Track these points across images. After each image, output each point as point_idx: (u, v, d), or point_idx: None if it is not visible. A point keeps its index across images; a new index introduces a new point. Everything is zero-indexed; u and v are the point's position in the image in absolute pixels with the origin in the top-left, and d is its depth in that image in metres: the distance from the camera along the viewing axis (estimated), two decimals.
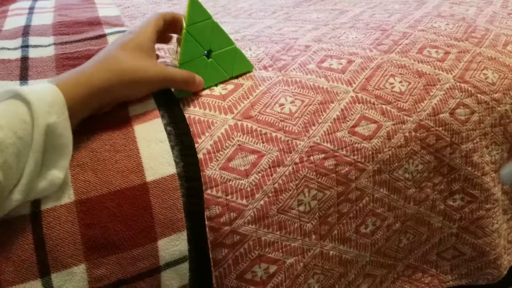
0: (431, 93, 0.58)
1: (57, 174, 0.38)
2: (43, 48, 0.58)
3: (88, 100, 0.41)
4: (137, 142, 0.43)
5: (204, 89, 0.53)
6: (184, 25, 0.50)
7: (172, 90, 0.51)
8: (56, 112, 0.37)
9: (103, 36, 0.63)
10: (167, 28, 0.52)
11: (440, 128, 0.58)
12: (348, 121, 0.53)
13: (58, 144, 0.37)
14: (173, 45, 0.64)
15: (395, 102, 0.56)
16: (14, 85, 0.50)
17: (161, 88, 0.49)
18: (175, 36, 0.68)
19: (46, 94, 0.37)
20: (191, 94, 0.52)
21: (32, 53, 0.56)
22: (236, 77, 0.56)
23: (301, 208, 0.50)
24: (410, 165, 0.57)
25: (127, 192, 0.41)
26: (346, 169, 0.52)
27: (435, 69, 0.61)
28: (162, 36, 0.53)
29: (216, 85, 0.54)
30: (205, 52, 0.53)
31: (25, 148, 0.34)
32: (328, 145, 0.51)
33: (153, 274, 0.42)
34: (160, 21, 0.50)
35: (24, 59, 0.55)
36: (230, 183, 0.46)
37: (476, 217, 0.65)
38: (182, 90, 0.51)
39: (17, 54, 0.56)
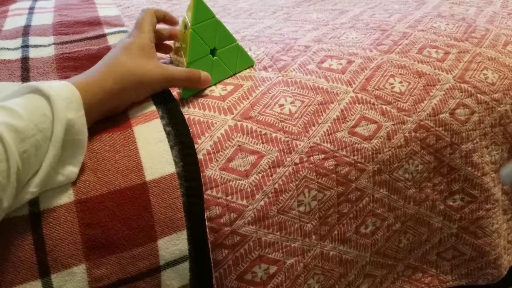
0: (431, 93, 0.58)
1: (73, 169, 0.39)
2: (43, 48, 0.58)
3: (100, 104, 0.42)
4: (137, 142, 0.44)
5: (205, 89, 0.53)
6: (189, 24, 0.51)
7: (180, 90, 0.52)
8: (74, 108, 0.37)
9: (103, 36, 0.63)
10: (161, 36, 0.54)
11: (440, 128, 0.58)
12: (348, 121, 0.53)
13: (76, 139, 0.38)
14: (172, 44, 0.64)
15: (395, 102, 0.56)
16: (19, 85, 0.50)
17: (164, 88, 0.50)
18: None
19: (64, 90, 0.38)
20: (197, 92, 0.52)
21: (33, 53, 0.56)
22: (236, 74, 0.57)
23: (301, 208, 0.50)
24: (410, 166, 0.57)
25: (127, 192, 0.41)
26: (346, 169, 0.52)
27: (435, 69, 0.61)
28: (161, 45, 0.55)
29: (216, 86, 0.54)
30: (210, 50, 0.54)
31: (44, 141, 0.35)
32: (328, 145, 0.51)
33: (153, 274, 0.42)
34: (153, 19, 0.52)
35: (25, 59, 0.55)
36: (230, 183, 0.46)
37: (476, 217, 0.65)
38: (190, 90, 0.51)
39: (18, 55, 0.56)
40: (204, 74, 0.51)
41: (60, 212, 0.39)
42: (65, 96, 0.37)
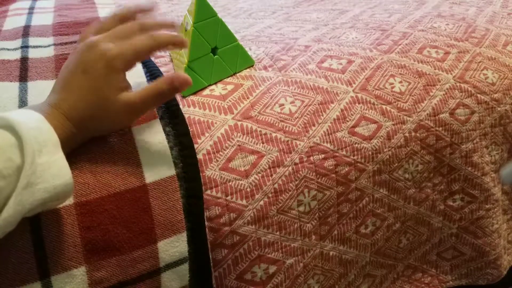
0: (431, 93, 0.58)
1: (57, 203, 0.36)
2: (43, 49, 0.58)
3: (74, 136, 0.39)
4: (136, 144, 0.43)
5: (205, 87, 0.53)
6: (191, 22, 0.51)
7: None
8: (49, 152, 0.33)
9: None
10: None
11: (440, 128, 0.58)
12: (348, 121, 0.53)
13: (56, 185, 0.33)
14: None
15: (395, 102, 0.56)
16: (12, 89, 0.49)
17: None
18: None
19: (39, 132, 0.33)
20: (198, 91, 0.52)
21: (32, 54, 0.56)
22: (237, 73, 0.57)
23: (301, 208, 0.50)
24: (410, 165, 0.57)
25: (126, 194, 0.41)
26: (346, 169, 0.52)
27: (435, 69, 0.61)
28: None
29: (216, 85, 0.54)
30: (211, 49, 0.54)
31: (8, 186, 0.30)
32: (328, 145, 0.51)
33: (153, 276, 0.42)
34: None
35: (24, 60, 0.55)
36: (230, 183, 0.46)
37: (476, 217, 0.65)
38: (190, 88, 0.51)
39: (17, 55, 0.55)
40: (178, 76, 0.42)
41: (60, 214, 0.38)
42: (41, 138, 0.32)
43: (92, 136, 0.42)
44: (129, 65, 0.41)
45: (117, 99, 0.40)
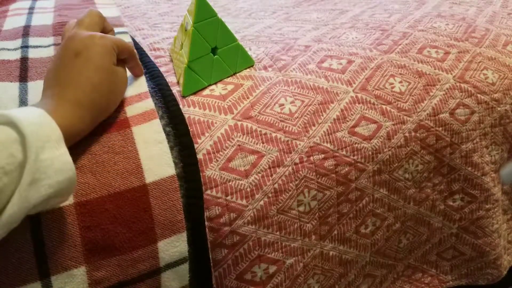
0: (431, 93, 0.58)
1: (59, 200, 0.36)
2: (43, 49, 0.58)
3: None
4: (136, 144, 0.43)
5: (205, 87, 0.53)
6: (191, 22, 0.51)
7: (180, 88, 0.52)
8: (52, 147, 0.33)
9: None
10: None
11: (440, 128, 0.58)
12: (348, 121, 0.53)
13: (59, 181, 0.33)
14: (171, 44, 0.64)
15: (395, 102, 0.56)
16: (13, 89, 0.49)
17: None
18: (173, 34, 0.69)
19: (42, 128, 0.33)
20: (198, 91, 0.52)
21: (32, 54, 0.56)
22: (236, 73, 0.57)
23: (301, 208, 0.50)
24: (410, 165, 0.57)
25: (126, 194, 0.41)
26: (346, 169, 0.52)
27: (435, 69, 0.61)
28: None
29: (216, 85, 0.54)
30: (211, 49, 0.54)
31: (10, 184, 0.30)
32: (328, 145, 0.51)
33: (153, 276, 0.42)
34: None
35: (24, 60, 0.55)
36: (230, 183, 0.46)
37: (476, 217, 0.65)
38: (190, 88, 0.51)
39: (17, 55, 0.55)
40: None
41: (60, 214, 0.38)
42: (43, 134, 0.32)
43: (102, 118, 0.43)
44: (114, 47, 0.44)
45: (119, 68, 0.45)
